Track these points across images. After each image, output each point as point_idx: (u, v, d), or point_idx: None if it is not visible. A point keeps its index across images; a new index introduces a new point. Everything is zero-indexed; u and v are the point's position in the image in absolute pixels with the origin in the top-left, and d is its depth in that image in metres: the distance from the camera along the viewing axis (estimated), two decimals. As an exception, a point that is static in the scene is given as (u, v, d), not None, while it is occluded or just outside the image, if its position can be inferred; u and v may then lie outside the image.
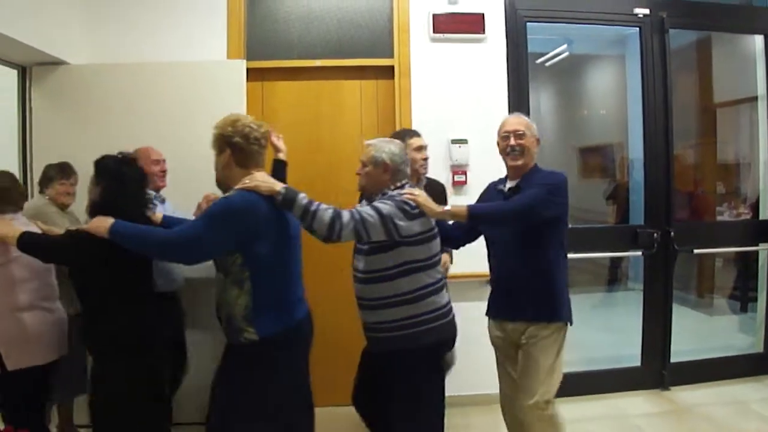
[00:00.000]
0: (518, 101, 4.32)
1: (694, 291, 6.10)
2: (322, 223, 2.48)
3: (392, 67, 4.27)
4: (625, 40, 5.58)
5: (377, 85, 4.34)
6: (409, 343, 2.68)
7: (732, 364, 4.73)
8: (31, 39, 3.55)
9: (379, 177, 2.75)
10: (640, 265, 4.82)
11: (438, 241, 2.79)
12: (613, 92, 6.42)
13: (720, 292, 6.07)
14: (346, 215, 2.52)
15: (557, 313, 2.92)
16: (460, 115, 4.24)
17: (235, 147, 2.59)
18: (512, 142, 2.92)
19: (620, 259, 5.75)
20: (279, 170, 3.21)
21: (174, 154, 3.72)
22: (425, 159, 3.43)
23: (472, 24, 4.27)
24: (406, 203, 2.62)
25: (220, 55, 4.18)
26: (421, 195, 2.66)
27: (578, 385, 4.42)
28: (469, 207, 2.77)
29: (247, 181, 2.51)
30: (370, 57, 4.30)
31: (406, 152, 2.91)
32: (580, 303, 6.27)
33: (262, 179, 2.53)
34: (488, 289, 4.14)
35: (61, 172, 3.57)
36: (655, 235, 4.43)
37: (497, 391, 4.19)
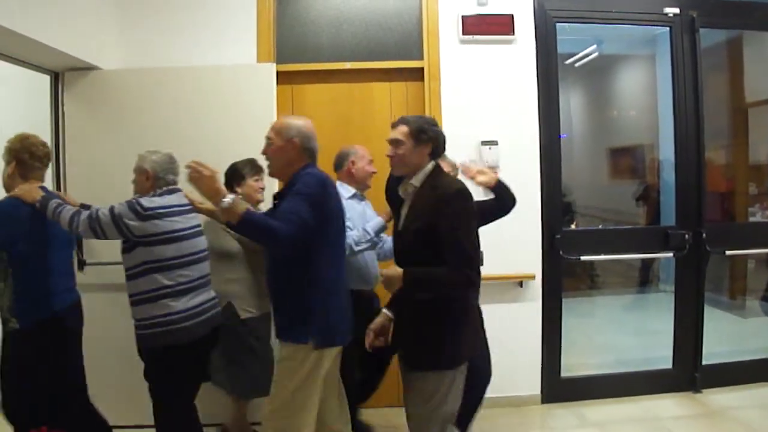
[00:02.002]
0: (548, 102, 4.44)
1: (726, 293, 6.16)
2: (65, 221, 2.97)
3: (422, 69, 4.39)
4: (655, 39, 5.62)
5: (407, 87, 4.47)
6: (149, 342, 3.04)
7: (765, 366, 4.77)
8: (64, 45, 3.66)
9: (143, 183, 3.17)
10: (671, 267, 4.90)
11: (195, 241, 3.15)
12: (643, 92, 6.46)
13: (753, 294, 6.11)
14: (84, 214, 2.95)
15: (298, 334, 2.75)
16: (490, 116, 4.35)
17: (20, 161, 3.12)
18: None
19: (651, 260, 5.82)
20: None
21: (204, 158, 3.81)
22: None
23: (501, 25, 4.38)
24: (139, 204, 2.96)
25: (250, 58, 4.31)
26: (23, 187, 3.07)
27: (609, 387, 4.57)
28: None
29: (16, 191, 3.05)
30: (400, 59, 4.43)
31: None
32: (610, 305, 6.46)
33: (27, 189, 3.06)
34: (522, 291, 4.32)
35: (253, 168, 3.65)
36: (687, 236, 4.52)
37: (528, 393, 4.36)
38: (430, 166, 2.70)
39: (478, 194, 3.00)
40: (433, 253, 2.52)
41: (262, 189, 3.65)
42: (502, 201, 3.25)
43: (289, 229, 2.52)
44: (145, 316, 3.01)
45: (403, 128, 2.70)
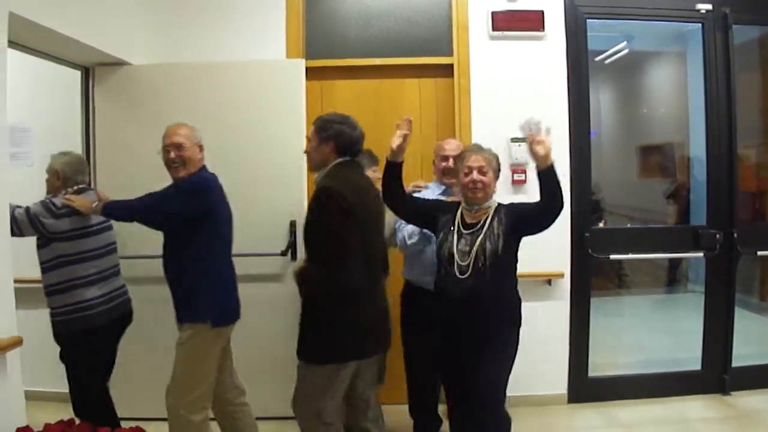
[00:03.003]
0: (578, 99, 4.46)
1: (757, 294, 6.12)
2: None
3: (451, 66, 4.42)
4: (686, 36, 5.55)
5: (436, 83, 4.50)
6: (67, 327, 3.29)
7: (796, 369, 4.73)
8: (94, 40, 3.73)
9: (54, 183, 3.44)
10: (700, 267, 4.90)
11: (105, 235, 3.46)
12: (673, 90, 6.41)
13: (784, 296, 6.07)
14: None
15: (194, 315, 3.11)
16: (519, 113, 4.20)
17: None
18: None
19: (680, 260, 5.81)
20: None
21: (232, 153, 3.94)
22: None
23: (531, 21, 4.40)
24: (53, 203, 3.25)
25: (279, 54, 4.37)
26: (77, 199, 3.27)
27: (637, 387, 4.59)
28: (105, 204, 3.25)
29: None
30: (429, 55, 4.46)
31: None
32: (638, 304, 6.45)
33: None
34: (551, 289, 4.34)
35: (371, 159, 3.68)
36: (718, 236, 4.52)
37: (554, 392, 4.38)
38: (334, 163, 2.90)
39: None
40: None
41: (380, 179, 3.50)
42: (546, 198, 2.92)
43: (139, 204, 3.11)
44: (62, 305, 3.30)
45: (312, 126, 2.99)
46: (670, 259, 5.84)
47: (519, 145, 4.32)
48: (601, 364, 4.71)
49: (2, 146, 2.85)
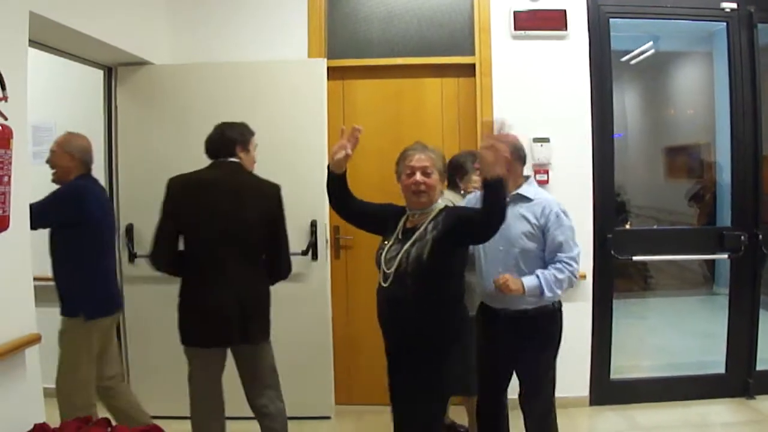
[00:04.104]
0: (601, 99, 4.45)
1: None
2: None
3: (473, 65, 4.43)
4: (712, 36, 5.51)
5: (458, 83, 4.52)
6: None
7: (821, 373, 4.70)
8: (117, 40, 3.78)
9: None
10: (725, 269, 4.88)
11: None
12: (700, 91, 6.38)
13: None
14: None
15: (68, 309, 3.32)
16: (542, 113, 4.36)
17: None
18: None
19: (704, 262, 5.77)
20: None
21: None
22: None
23: (553, 21, 4.40)
24: None
25: (301, 54, 4.40)
26: None
27: (660, 390, 4.57)
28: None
29: None
30: (451, 55, 4.47)
31: None
32: (663, 307, 6.41)
33: None
34: (573, 291, 4.31)
35: (475, 161, 3.50)
36: (743, 237, 4.50)
37: (576, 394, 4.37)
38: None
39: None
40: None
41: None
42: (484, 212, 2.62)
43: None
44: None
45: None
46: (697, 262, 5.79)
47: (542, 146, 4.33)
48: (624, 366, 4.70)
49: (25, 145, 2.87)
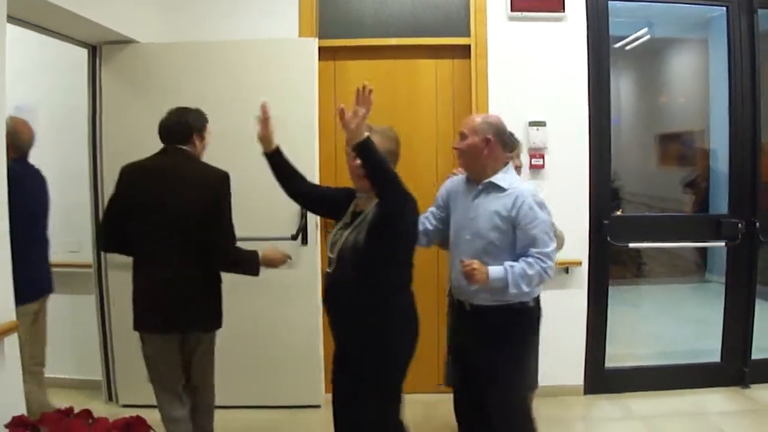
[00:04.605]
0: (598, 83, 4.34)
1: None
2: None
3: (468, 47, 4.30)
4: (708, 22, 5.44)
5: (453, 64, 4.38)
6: None
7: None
8: (101, 17, 3.64)
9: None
10: (718, 256, 4.85)
11: None
12: (694, 77, 6.36)
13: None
14: None
15: None
16: (538, 96, 4.26)
17: None
18: None
19: (697, 249, 5.70)
20: None
21: (243, 134, 3.77)
22: None
23: (551, 2, 4.27)
24: None
25: (291, 33, 4.25)
26: None
27: (655, 379, 4.52)
28: None
29: None
30: (446, 36, 4.33)
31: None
32: (656, 294, 6.36)
33: None
34: (568, 278, 4.26)
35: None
36: (740, 225, 4.41)
37: (571, 383, 4.31)
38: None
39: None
40: None
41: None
42: (370, 179, 2.56)
43: None
44: None
45: None
46: (691, 249, 5.73)
47: (537, 129, 4.23)
48: (619, 354, 4.62)
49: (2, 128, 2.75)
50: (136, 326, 3.08)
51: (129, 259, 3.44)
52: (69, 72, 4.38)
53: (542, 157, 4.26)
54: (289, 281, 3.99)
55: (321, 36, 4.27)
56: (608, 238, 4.32)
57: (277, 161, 2.89)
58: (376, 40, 4.34)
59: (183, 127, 3.15)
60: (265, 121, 2.82)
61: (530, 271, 2.67)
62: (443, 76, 4.41)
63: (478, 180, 2.87)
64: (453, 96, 4.39)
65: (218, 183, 3.11)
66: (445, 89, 4.40)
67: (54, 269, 3.69)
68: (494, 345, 2.83)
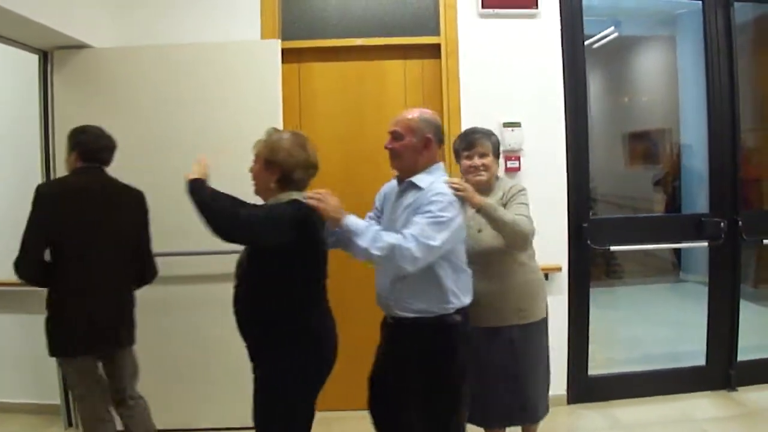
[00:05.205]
0: (574, 81, 4.17)
1: (751, 282, 5.87)
2: None
3: (438, 46, 4.10)
4: (675, 20, 5.42)
5: (423, 65, 4.18)
6: None
7: (804, 362, 4.51)
8: (52, 21, 3.46)
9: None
10: (693, 255, 4.81)
11: None
12: (662, 75, 6.32)
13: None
14: None
15: None
16: (512, 96, 4.08)
17: None
18: None
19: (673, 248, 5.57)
20: None
21: (205, 141, 3.67)
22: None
23: (523, -2, 4.10)
24: None
25: (253, 35, 4.05)
26: None
27: (639, 385, 4.35)
28: None
29: None
30: (415, 35, 4.14)
31: None
32: (631, 295, 6.23)
33: None
34: (548, 284, 4.06)
35: None
36: (722, 224, 4.26)
37: (553, 392, 4.08)
38: (75, 168, 3.05)
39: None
40: None
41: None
42: None
43: None
44: None
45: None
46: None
47: (512, 130, 4.04)
48: (598, 359, 4.44)
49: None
50: (81, 351, 2.98)
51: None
52: (16, 78, 4.21)
53: (518, 159, 4.07)
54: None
55: (284, 37, 4.07)
56: (588, 242, 4.14)
57: None
58: (342, 40, 4.14)
59: (109, 148, 3.13)
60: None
61: (389, 239, 2.35)
62: (413, 76, 4.20)
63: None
64: (423, 97, 4.16)
65: (144, 202, 3.19)
66: (415, 90, 4.19)
67: (3, 288, 3.56)
68: (410, 365, 2.58)
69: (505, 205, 2.83)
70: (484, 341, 2.87)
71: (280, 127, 3.75)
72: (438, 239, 2.37)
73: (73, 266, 2.93)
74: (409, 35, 4.14)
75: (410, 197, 2.57)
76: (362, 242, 2.35)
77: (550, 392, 4.02)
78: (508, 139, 4.02)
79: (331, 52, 4.17)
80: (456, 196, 2.49)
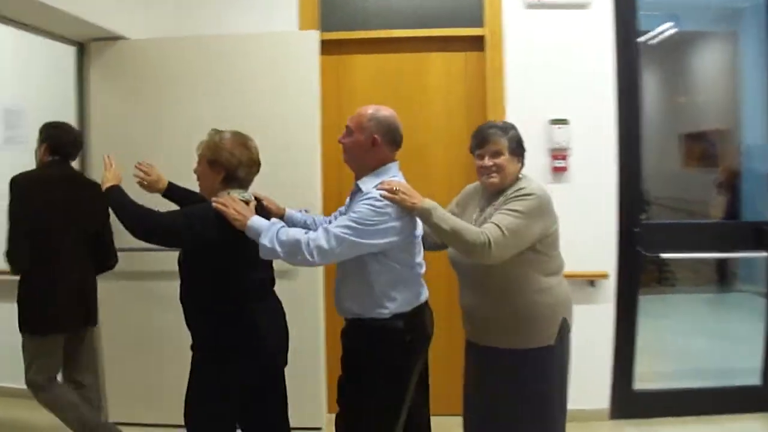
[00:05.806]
0: (626, 77, 3.94)
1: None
2: None
3: (482, 38, 3.94)
4: (738, 14, 5.18)
5: (465, 58, 4.02)
6: None
7: None
8: (89, 14, 3.46)
9: None
10: (753, 264, 4.50)
11: None
12: (723, 73, 6.05)
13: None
14: None
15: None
16: (560, 92, 3.87)
17: None
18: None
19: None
20: None
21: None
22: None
23: (574, -13, 3.92)
24: None
25: (291, 26, 3.96)
26: None
27: (688, 403, 4.08)
28: None
29: None
30: (457, 26, 3.98)
31: None
32: (684, 305, 5.91)
33: None
34: (593, 291, 3.80)
35: None
36: (785, 233, 3.97)
37: (595, 406, 3.87)
38: (46, 161, 3.31)
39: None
40: None
41: None
42: None
43: None
44: None
45: None
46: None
47: (560, 128, 3.83)
48: (645, 372, 4.17)
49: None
50: (50, 329, 3.23)
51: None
52: (55, 71, 4.26)
53: (565, 158, 3.87)
54: (289, 294, 3.58)
55: (323, 29, 3.96)
56: (638, 248, 3.90)
57: (178, 195, 2.94)
58: (382, 32, 4.01)
59: (79, 144, 3.48)
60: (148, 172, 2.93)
61: (297, 236, 2.28)
62: (455, 70, 4.03)
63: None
64: (466, 92, 4.01)
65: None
66: (458, 85, 4.02)
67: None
68: (347, 370, 2.55)
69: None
70: (468, 354, 2.72)
71: (317, 118, 3.75)
72: (334, 243, 2.27)
73: (43, 250, 3.21)
74: (451, 26, 3.99)
75: (355, 202, 2.44)
76: (265, 242, 2.30)
77: (591, 405, 3.81)
78: (556, 137, 3.84)
79: (370, 43, 4.03)
80: (389, 200, 2.32)
